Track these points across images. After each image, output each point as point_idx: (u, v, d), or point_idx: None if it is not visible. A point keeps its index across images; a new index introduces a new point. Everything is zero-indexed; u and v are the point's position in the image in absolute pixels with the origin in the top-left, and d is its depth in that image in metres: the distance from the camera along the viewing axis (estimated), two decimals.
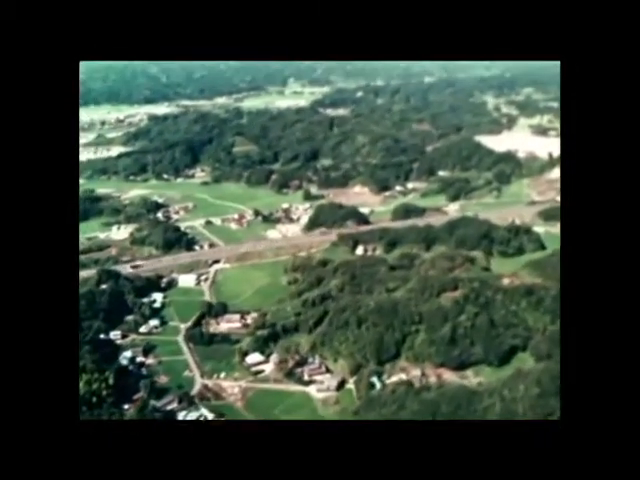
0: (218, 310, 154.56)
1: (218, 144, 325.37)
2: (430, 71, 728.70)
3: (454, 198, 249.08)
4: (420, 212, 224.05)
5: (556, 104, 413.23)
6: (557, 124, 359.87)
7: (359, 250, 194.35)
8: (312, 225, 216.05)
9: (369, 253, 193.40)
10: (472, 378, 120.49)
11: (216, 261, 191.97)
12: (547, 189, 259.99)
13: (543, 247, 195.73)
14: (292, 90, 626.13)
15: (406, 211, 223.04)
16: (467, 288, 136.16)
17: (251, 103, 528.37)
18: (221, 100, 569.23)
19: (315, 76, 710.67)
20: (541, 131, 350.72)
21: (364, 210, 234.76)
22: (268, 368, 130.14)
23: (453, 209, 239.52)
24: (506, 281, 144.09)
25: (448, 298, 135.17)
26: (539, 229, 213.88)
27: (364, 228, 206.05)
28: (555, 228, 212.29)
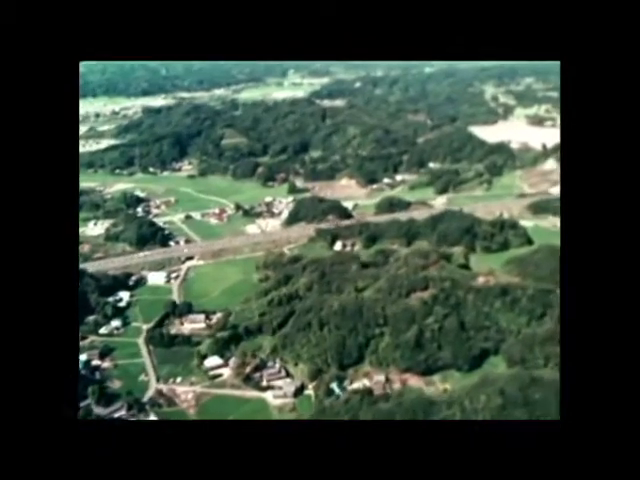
0: (182, 310, 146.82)
1: (207, 137, 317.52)
2: (430, 62, 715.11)
3: (442, 191, 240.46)
4: (404, 206, 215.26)
5: (555, 94, 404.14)
6: (554, 114, 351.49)
7: (337, 246, 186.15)
8: (292, 220, 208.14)
9: (348, 249, 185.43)
10: (439, 384, 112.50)
11: (190, 258, 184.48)
12: (540, 181, 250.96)
13: (530, 242, 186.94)
14: (291, 81, 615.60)
15: (390, 205, 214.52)
16: (437, 288, 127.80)
17: (248, 95, 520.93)
18: (219, 92, 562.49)
19: (315, 67, 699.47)
20: (537, 121, 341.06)
21: (348, 204, 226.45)
22: (227, 372, 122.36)
23: (441, 202, 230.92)
24: (481, 280, 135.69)
25: (417, 298, 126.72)
26: (528, 223, 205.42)
27: (343, 223, 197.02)
28: (545, 222, 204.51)
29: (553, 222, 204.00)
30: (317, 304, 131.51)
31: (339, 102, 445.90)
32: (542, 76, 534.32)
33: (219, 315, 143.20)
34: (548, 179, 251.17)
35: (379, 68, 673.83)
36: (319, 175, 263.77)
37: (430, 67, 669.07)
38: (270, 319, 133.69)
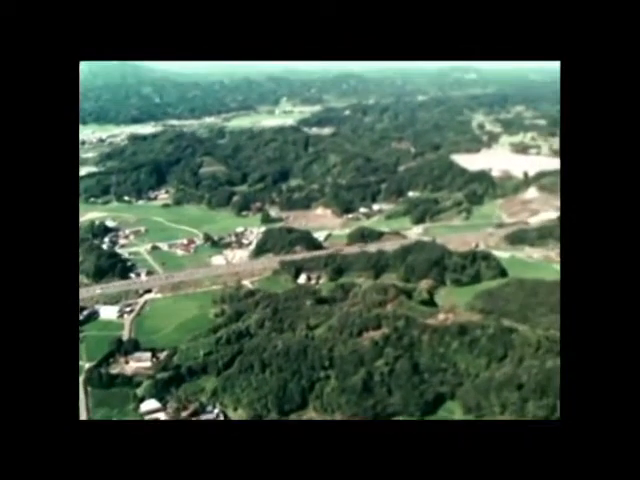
0: (129, 347, 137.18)
1: (185, 165, 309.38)
2: (425, 90, 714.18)
3: (419, 220, 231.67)
4: (376, 236, 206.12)
5: (543, 121, 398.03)
6: (540, 141, 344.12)
7: (302, 278, 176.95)
8: (259, 251, 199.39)
9: (313, 282, 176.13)
10: None
11: (148, 291, 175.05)
12: (520, 210, 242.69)
13: (503, 274, 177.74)
14: (282, 109, 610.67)
15: (362, 235, 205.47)
16: (390, 327, 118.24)
17: (237, 123, 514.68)
18: (209, 120, 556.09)
19: (308, 95, 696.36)
20: (521, 149, 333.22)
21: (321, 234, 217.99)
22: (163, 417, 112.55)
23: (416, 232, 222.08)
24: (441, 317, 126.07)
25: (368, 338, 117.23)
26: (504, 254, 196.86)
27: (309, 254, 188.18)
28: (521, 253, 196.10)
29: (529, 253, 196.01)
30: (263, 343, 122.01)
31: (327, 130, 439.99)
32: (532, 104, 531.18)
33: (165, 353, 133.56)
34: (528, 208, 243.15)
35: (372, 96, 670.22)
36: (294, 204, 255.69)
37: (424, 95, 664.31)
38: (216, 359, 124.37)
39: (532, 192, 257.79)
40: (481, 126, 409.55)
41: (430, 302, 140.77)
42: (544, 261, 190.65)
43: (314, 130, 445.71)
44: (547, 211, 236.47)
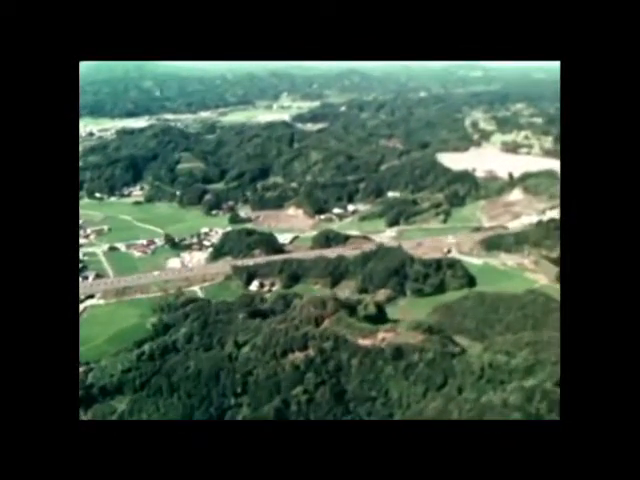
0: None
1: (163, 161, 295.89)
2: (428, 87, 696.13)
3: (393, 223, 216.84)
4: (342, 240, 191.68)
5: (539, 119, 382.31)
6: (532, 140, 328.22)
7: (254, 285, 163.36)
8: (216, 254, 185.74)
9: (266, 288, 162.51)
10: None
11: (90, 296, 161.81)
12: (501, 213, 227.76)
13: (472, 283, 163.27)
14: (281, 105, 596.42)
15: (326, 239, 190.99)
16: (316, 348, 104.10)
17: (233, 118, 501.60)
18: (205, 114, 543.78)
19: (309, 91, 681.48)
20: (511, 148, 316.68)
21: (287, 236, 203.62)
22: None
23: (389, 235, 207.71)
24: (380, 336, 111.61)
25: (290, 361, 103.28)
26: (476, 261, 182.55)
27: (262, 259, 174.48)
28: (495, 259, 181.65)
29: (504, 260, 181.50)
30: (181, 362, 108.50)
31: (320, 126, 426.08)
32: (533, 102, 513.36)
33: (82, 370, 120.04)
34: (510, 211, 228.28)
35: (374, 92, 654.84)
36: (267, 204, 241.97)
37: (426, 92, 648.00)
38: (133, 377, 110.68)
39: (516, 194, 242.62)
40: (474, 124, 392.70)
41: (377, 317, 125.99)
42: (517, 269, 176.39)
43: (308, 126, 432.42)
44: (529, 215, 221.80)
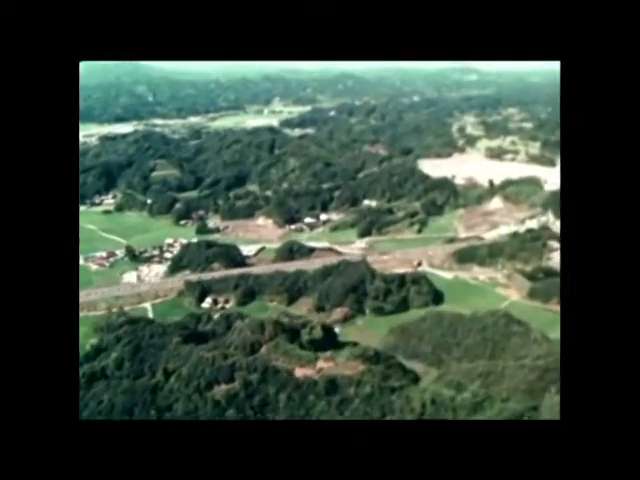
0: None
1: (138, 168, 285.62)
2: (422, 91, 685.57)
3: (365, 233, 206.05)
4: (306, 252, 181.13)
5: (529, 124, 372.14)
6: (519, 146, 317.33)
7: (206, 302, 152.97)
8: (174, 268, 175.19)
9: (219, 306, 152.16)
10: None
11: None
12: (479, 223, 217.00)
13: (438, 300, 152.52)
14: (272, 109, 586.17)
15: (290, 251, 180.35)
16: (242, 380, 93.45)
17: (221, 123, 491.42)
18: (195, 119, 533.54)
19: (302, 95, 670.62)
20: (496, 154, 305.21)
21: (251, 248, 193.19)
22: None
23: (359, 247, 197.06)
24: (319, 366, 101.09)
25: (214, 395, 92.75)
26: (447, 274, 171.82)
27: (217, 274, 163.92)
28: (467, 273, 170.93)
29: (475, 273, 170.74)
30: (100, 392, 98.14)
31: (308, 131, 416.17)
32: (526, 106, 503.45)
33: None
34: (488, 220, 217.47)
35: (367, 96, 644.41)
36: (237, 213, 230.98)
37: (420, 96, 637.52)
38: None
39: (496, 202, 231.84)
40: (461, 129, 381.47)
41: (323, 342, 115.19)
42: (489, 284, 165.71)
43: (296, 131, 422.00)
44: (507, 224, 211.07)
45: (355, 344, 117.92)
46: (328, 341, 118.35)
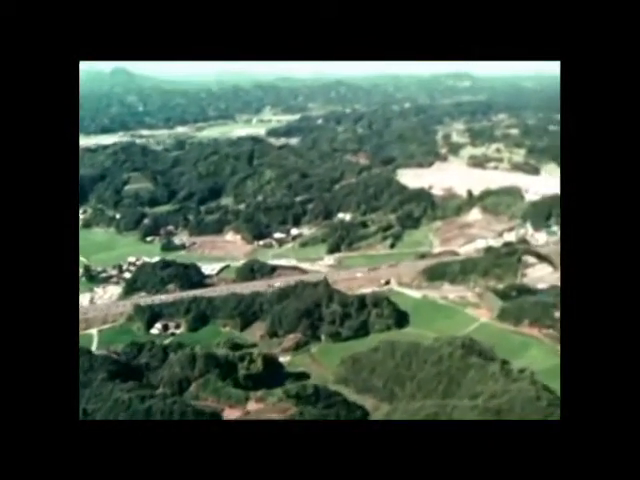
0: None
1: (110, 181, 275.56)
2: (414, 97, 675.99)
3: (334, 249, 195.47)
4: (269, 271, 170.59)
5: (515, 131, 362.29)
6: (504, 154, 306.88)
7: (155, 329, 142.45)
8: (129, 290, 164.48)
9: (170, 331, 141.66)
10: None
11: None
12: (455, 236, 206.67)
13: (401, 323, 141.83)
14: (261, 118, 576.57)
15: (251, 270, 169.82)
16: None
17: (208, 133, 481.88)
18: (182, 129, 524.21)
19: (293, 103, 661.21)
20: (479, 163, 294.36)
21: (214, 267, 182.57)
22: None
23: (327, 264, 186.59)
24: (250, 407, 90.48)
25: None
26: (415, 293, 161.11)
27: (171, 296, 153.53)
28: (436, 292, 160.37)
29: (445, 292, 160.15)
30: None
31: (294, 140, 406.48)
32: (516, 112, 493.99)
33: None
34: (465, 234, 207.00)
35: (359, 104, 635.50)
36: (206, 228, 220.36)
37: (412, 103, 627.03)
38: None
39: (475, 213, 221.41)
40: (447, 137, 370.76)
41: (264, 376, 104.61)
42: (459, 303, 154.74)
43: (281, 140, 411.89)
44: (485, 238, 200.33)
45: (299, 378, 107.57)
46: (270, 375, 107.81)
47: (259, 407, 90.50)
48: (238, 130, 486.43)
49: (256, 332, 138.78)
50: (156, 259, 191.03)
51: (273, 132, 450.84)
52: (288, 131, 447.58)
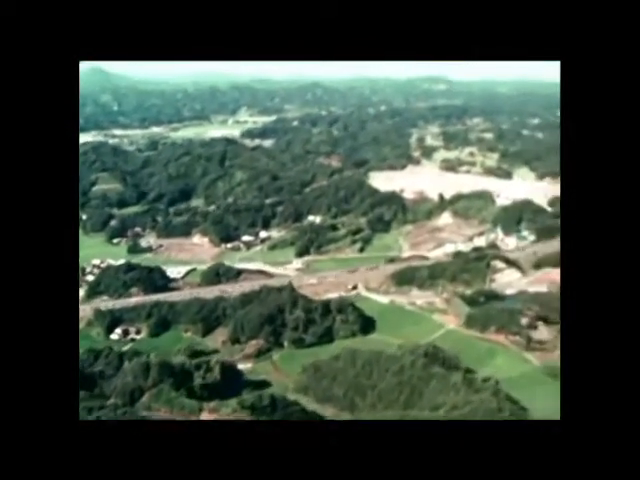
0: None
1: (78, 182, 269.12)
2: (390, 100, 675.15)
3: (303, 252, 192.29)
4: (234, 275, 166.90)
5: (490, 135, 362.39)
6: (477, 158, 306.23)
7: (115, 334, 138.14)
8: (91, 294, 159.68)
9: (130, 337, 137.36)
10: None
11: None
12: (425, 240, 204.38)
13: (367, 330, 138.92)
14: (236, 119, 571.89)
15: (217, 274, 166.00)
16: None
17: (183, 134, 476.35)
18: (157, 129, 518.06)
19: (270, 105, 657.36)
20: (451, 166, 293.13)
21: (180, 270, 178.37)
22: None
23: (295, 267, 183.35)
24: (204, 417, 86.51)
25: None
26: (383, 299, 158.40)
27: (132, 301, 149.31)
28: (404, 297, 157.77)
29: (413, 298, 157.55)
30: None
31: (268, 142, 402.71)
32: (491, 116, 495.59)
33: None
34: (436, 237, 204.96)
35: (335, 106, 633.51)
36: (174, 230, 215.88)
37: (387, 106, 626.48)
38: None
39: (445, 217, 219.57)
40: (420, 140, 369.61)
41: (221, 385, 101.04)
42: (426, 309, 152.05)
43: (256, 142, 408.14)
44: (454, 242, 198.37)
45: (258, 387, 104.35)
46: (228, 384, 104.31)
47: (212, 418, 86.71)
48: (213, 131, 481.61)
49: (218, 338, 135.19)
50: (121, 262, 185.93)
51: (247, 133, 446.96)
52: (263, 132, 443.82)
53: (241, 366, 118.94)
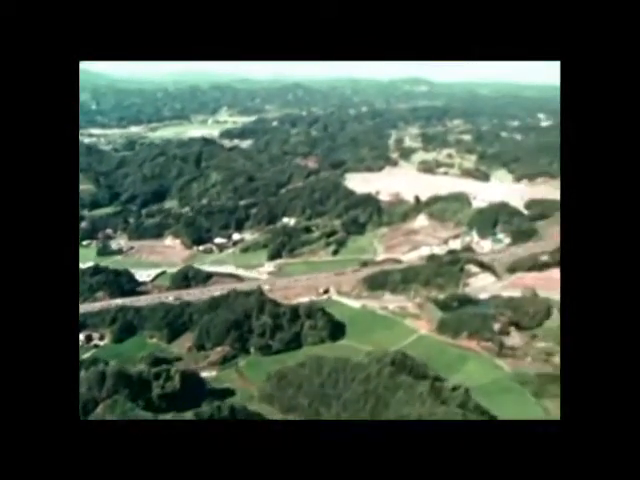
0: None
1: None
2: (371, 101, 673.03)
3: (275, 255, 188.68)
4: (204, 279, 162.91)
5: (468, 137, 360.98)
6: (455, 159, 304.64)
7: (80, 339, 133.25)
8: None
9: (94, 342, 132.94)
10: None
11: None
12: (400, 243, 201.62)
13: (336, 335, 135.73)
14: (216, 119, 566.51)
15: (185, 277, 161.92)
16: None
17: (161, 133, 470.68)
18: (135, 129, 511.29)
19: (250, 105, 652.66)
20: (429, 168, 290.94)
21: (150, 273, 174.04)
22: None
23: (266, 271, 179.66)
24: None
25: None
26: (354, 303, 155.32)
27: (97, 305, 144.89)
28: (376, 302, 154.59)
29: (386, 302, 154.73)
30: None
31: (246, 143, 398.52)
32: (471, 118, 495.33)
33: None
34: (411, 240, 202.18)
35: (316, 107, 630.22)
36: (145, 232, 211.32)
37: (369, 107, 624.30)
38: None
39: (421, 220, 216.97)
40: (399, 141, 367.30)
41: (181, 395, 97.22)
42: (398, 314, 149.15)
43: (235, 142, 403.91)
44: (429, 245, 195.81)
45: (221, 396, 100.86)
46: (188, 393, 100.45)
47: None
48: (193, 131, 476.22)
49: (184, 344, 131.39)
50: (89, 264, 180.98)
51: (226, 133, 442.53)
52: (242, 133, 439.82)
53: (205, 374, 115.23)
